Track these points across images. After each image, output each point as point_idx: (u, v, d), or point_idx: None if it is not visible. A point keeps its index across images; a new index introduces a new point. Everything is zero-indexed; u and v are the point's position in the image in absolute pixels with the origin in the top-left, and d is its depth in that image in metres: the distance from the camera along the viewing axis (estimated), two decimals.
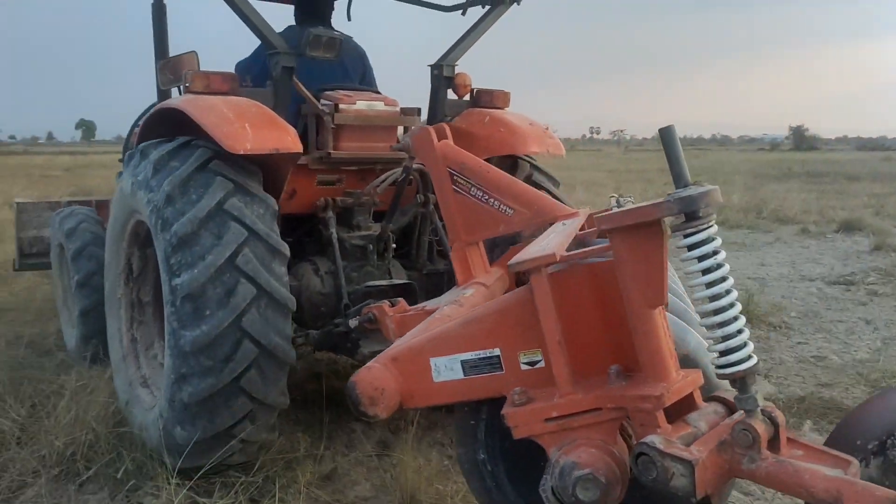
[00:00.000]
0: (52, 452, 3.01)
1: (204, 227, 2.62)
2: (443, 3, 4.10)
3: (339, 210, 3.44)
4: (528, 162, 3.66)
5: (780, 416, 1.50)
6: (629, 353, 1.66)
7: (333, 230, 3.28)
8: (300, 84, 3.25)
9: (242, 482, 2.88)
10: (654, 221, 1.52)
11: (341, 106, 3.37)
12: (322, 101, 3.41)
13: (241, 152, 2.67)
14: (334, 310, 3.22)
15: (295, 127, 3.05)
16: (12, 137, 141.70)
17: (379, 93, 3.78)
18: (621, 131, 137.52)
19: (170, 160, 2.78)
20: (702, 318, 1.58)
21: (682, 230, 1.53)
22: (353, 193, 3.47)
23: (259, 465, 3.00)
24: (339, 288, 3.22)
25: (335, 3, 4.22)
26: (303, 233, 3.56)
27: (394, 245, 3.62)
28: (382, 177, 3.47)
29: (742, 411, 1.53)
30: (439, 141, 2.89)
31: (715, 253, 1.52)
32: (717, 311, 1.54)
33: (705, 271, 1.53)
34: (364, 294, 3.02)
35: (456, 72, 3.66)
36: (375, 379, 1.82)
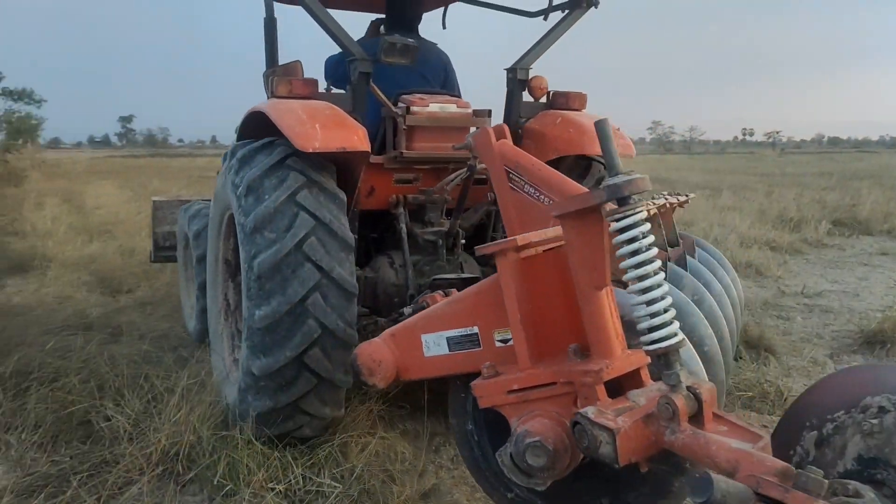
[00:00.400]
0: (157, 451, 3.04)
1: (276, 215, 2.87)
2: (527, 10, 4.25)
3: (413, 207, 3.67)
4: (602, 164, 3.67)
5: (705, 393, 1.56)
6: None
7: (403, 225, 3.49)
8: (376, 88, 3.44)
9: (338, 494, 2.79)
10: (592, 208, 1.63)
11: (414, 108, 3.57)
12: (399, 105, 3.60)
13: (310, 150, 2.88)
14: (405, 300, 3.41)
15: (377, 129, 3.44)
16: (181, 141, 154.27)
17: (456, 96, 3.95)
18: (777, 133, 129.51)
19: (252, 158, 3.06)
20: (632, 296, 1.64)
21: (613, 215, 1.62)
22: (425, 191, 3.68)
23: (356, 475, 2.94)
24: (409, 280, 3.46)
25: (423, 13, 4.49)
26: (382, 228, 3.77)
27: (463, 241, 3.80)
28: (452, 175, 3.61)
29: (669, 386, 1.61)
30: (497, 141, 3.01)
31: (643, 236, 1.60)
32: (644, 291, 1.61)
33: (633, 253, 1.61)
34: (431, 286, 3.08)
35: (532, 75, 3.79)
36: (374, 352, 2.03)
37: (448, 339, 1.99)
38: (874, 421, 1.51)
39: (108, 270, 6.83)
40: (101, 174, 22.97)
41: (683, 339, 1.60)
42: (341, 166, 3.20)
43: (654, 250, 1.63)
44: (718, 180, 21.42)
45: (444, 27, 4.72)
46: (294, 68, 3.63)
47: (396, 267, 3.58)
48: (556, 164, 3.51)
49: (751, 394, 4.02)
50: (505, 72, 3.86)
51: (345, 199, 3.10)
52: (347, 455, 3.10)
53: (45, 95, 29.07)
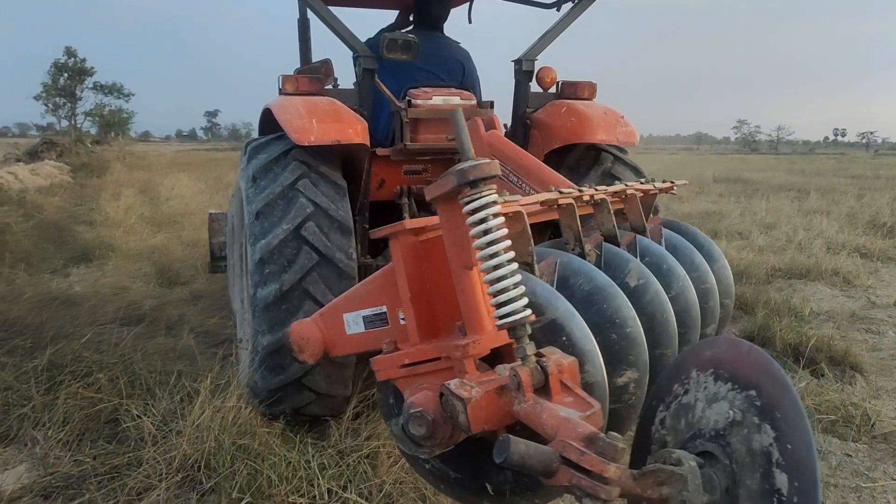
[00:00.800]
0: (178, 455, 2.90)
1: (278, 202, 3.02)
2: (542, 1, 4.33)
3: (419, 197, 3.74)
4: (611, 154, 3.73)
5: (552, 366, 1.60)
6: None
7: (406, 215, 3.57)
8: (381, 83, 3.55)
9: None
10: (450, 192, 1.69)
11: (417, 101, 3.69)
12: (405, 99, 3.73)
13: (306, 143, 3.03)
14: None
15: (390, 123, 3.73)
16: None
17: (467, 90, 4.00)
18: (871, 133, 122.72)
19: (261, 150, 3.24)
20: (484, 274, 1.69)
21: (463, 198, 1.67)
22: (429, 181, 3.69)
23: (385, 491, 2.77)
24: None
25: (449, 10, 4.50)
26: (394, 219, 3.98)
27: None
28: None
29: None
30: (487, 131, 3.19)
31: (494, 216, 1.66)
32: (495, 268, 1.66)
33: (485, 232, 1.66)
34: None
35: (541, 66, 3.88)
36: (303, 330, 2.15)
37: (364, 317, 2.08)
38: (693, 394, 1.55)
39: (168, 261, 6.86)
40: (181, 166, 23.60)
41: (530, 314, 1.65)
42: (345, 158, 3.38)
43: (504, 231, 1.68)
44: (805, 182, 20.29)
45: (469, 21, 4.77)
46: (325, 66, 3.86)
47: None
48: (563, 153, 3.71)
49: (833, 417, 3.61)
50: (512, 63, 3.94)
51: (345, 186, 3.22)
52: (377, 468, 2.90)
53: (138, 91, 30.41)
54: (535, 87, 4.00)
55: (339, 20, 3.49)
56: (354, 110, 3.40)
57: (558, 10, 4.08)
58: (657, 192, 2.98)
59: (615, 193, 2.70)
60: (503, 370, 1.74)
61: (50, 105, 44.56)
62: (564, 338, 1.81)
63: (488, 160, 1.68)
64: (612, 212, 2.54)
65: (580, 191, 2.41)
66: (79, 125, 45.29)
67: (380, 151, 3.73)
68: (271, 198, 3.04)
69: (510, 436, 1.39)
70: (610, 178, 3.57)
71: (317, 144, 3.06)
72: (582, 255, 2.28)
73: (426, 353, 1.86)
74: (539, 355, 1.65)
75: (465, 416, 1.61)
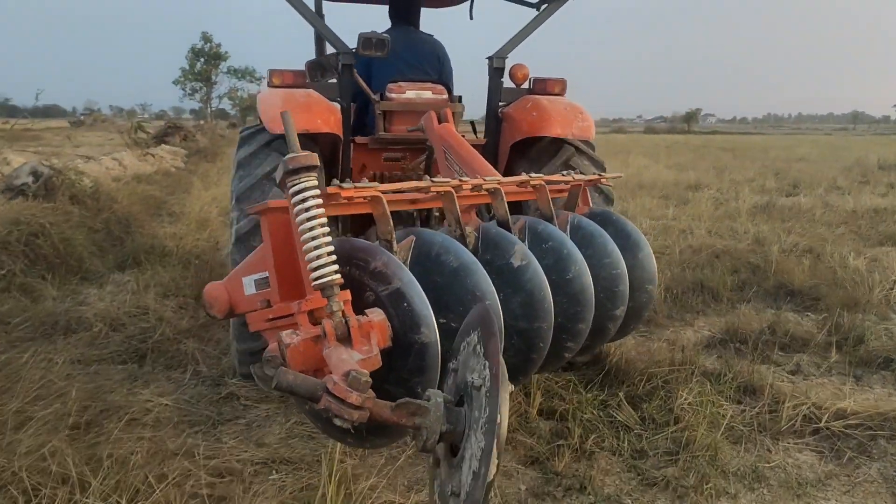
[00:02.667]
0: None
1: (255, 189, 3.35)
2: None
3: (393, 182, 3.71)
4: (573, 146, 3.91)
5: (353, 320, 1.86)
6: None
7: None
8: (359, 78, 3.90)
9: None
10: (282, 179, 1.96)
11: (390, 95, 4.01)
12: (379, 92, 4.07)
13: (278, 132, 3.33)
14: None
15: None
16: None
17: (442, 83, 4.29)
18: None
19: (246, 141, 3.56)
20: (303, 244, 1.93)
21: (289, 184, 1.94)
22: (403, 168, 4.11)
23: None
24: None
25: (421, 8, 4.81)
26: None
27: (437, 213, 4.09)
28: (423, 155, 4.05)
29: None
30: (439, 124, 3.68)
31: (313, 198, 1.93)
32: (312, 239, 1.92)
33: (305, 210, 1.93)
34: None
35: (512, 63, 4.12)
36: (214, 290, 2.35)
37: (255, 280, 2.23)
38: (464, 349, 1.77)
39: (211, 266, 5.89)
40: None
41: (338, 277, 1.90)
42: (322, 146, 3.62)
43: (321, 210, 1.94)
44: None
45: (471, 18, 4.99)
46: (327, 59, 4.09)
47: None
48: (528, 145, 3.94)
49: None
50: (486, 60, 4.16)
51: (319, 178, 3.45)
52: None
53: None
54: (510, 83, 4.22)
55: (320, 20, 3.95)
56: (336, 102, 3.75)
57: (538, 10, 4.25)
58: (581, 183, 3.19)
59: (521, 183, 2.93)
60: (326, 323, 1.91)
61: (188, 89, 46.57)
62: (406, 304, 2.01)
63: (307, 153, 1.94)
64: (504, 199, 2.74)
65: (461, 180, 2.59)
66: (213, 108, 47.30)
67: (358, 139, 4.08)
68: (249, 185, 3.37)
69: (283, 368, 1.72)
70: (569, 168, 3.73)
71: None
72: (462, 236, 2.54)
73: (284, 310, 2.09)
74: (345, 312, 1.90)
75: (284, 357, 1.85)
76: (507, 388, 1.55)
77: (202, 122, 38.20)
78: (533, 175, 2.96)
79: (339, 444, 2.66)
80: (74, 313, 4.74)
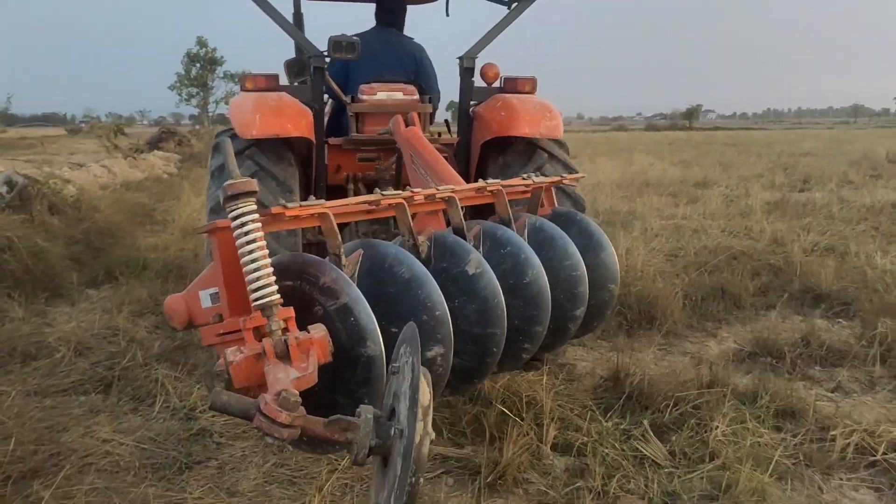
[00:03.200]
0: None
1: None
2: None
3: (366, 183, 4.17)
4: (547, 152, 3.91)
5: (291, 339, 1.89)
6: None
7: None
8: (330, 80, 4.03)
9: None
10: (223, 201, 1.97)
11: (362, 97, 4.10)
12: (350, 95, 4.20)
13: (248, 137, 3.41)
14: None
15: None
16: None
17: (419, 83, 4.46)
18: None
19: (219, 148, 3.57)
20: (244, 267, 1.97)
21: (228, 209, 1.97)
22: (377, 169, 4.18)
23: None
24: None
25: (406, 10, 4.89)
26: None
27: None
28: (394, 156, 4.07)
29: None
30: (406, 127, 3.66)
31: (252, 222, 1.97)
32: (252, 262, 1.95)
33: (245, 234, 1.96)
34: None
35: (484, 62, 4.14)
36: (173, 303, 2.29)
37: (210, 294, 2.22)
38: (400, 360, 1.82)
39: (191, 280, 5.45)
40: None
41: (277, 298, 1.95)
42: (293, 148, 3.73)
43: (260, 234, 1.97)
44: None
45: (447, 14, 4.90)
46: (306, 58, 4.03)
47: (355, 236, 3.97)
48: (501, 145, 3.95)
49: None
50: (458, 60, 4.13)
51: (291, 184, 3.58)
52: None
53: None
54: (482, 82, 4.21)
55: (289, 23, 3.90)
56: (308, 105, 3.71)
57: (509, 7, 4.23)
58: (542, 185, 3.18)
59: (478, 190, 2.93)
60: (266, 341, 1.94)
61: (184, 95, 46.14)
62: (352, 318, 2.06)
63: (246, 180, 1.96)
64: (459, 206, 2.74)
65: (413, 191, 2.58)
66: (212, 114, 46.78)
67: (332, 141, 4.12)
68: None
69: (217, 389, 1.76)
70: (541, 172, 3.68)
71: (258, 137, 3.39)
72: (415, 246, 2.55)
73: (232, 325, 2.09)
74: (285, 329, 1.95)
75: (228, 376, 1.88)
76: (425, 403, 1.64)
77: (198, 126, 37.75)
78: (490, 181, 2.96)
79: (320, 491, 2.67)
80: (36, 337, 4.30)
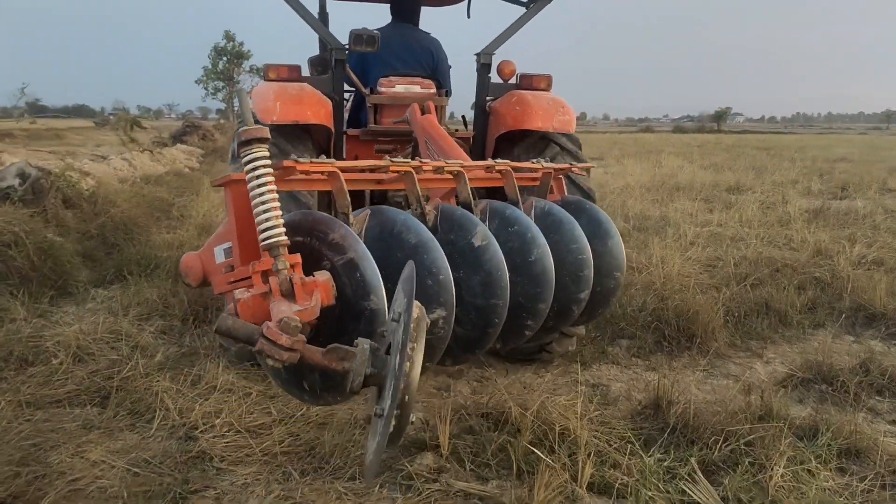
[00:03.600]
0: None
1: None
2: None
3: None
4: (559, 144, 3.95)
5: (296, 278, 1.99)
6: None
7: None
8: (351, 73, 4.16)
9: None
10: (238, 147, 2.11)
11: (380, 89, 4.28)
12: (369, 87, 4.35)
13: (269, 122, 3.47)
14: None
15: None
16: None
17: (436, 77, 4.52)
18: None
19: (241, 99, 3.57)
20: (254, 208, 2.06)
21: (242, 154, 2.06)
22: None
23: None
24: None
25: (422, 7, 4.99)
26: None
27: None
28: (410, 146, 4.20)
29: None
30: (422, 115, 3.85)
31: (263, 167, 2.04)
32: (262, 203, 2.02)
33: (256, 178, 2.03)
34: None
35: (501, 59, 4.28)
36: (189, 260, 2.42)
37: (224, 249, 2.30)
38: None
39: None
40: None
41: (284, 239, 2.03)
42: (312, 136, 3.87)
43: (270, 178, 2.04)
44: None
45: (468, 16, 5.09)
46: (324, 58, 4.30)
47: None
48: (513, 138, 4.04)
49: None
50: (475, 57, 4.29)
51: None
52: None
53: None
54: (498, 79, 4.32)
55: (314, 17, 4.01)
56: (328, 96, 3.86)
57: (527, 7, 4.32)
58: (550, 171, 3.22)
59: (487, 168, 3.01)
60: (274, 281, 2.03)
61: (210, 88, 46.13)
62: (358, 273, 2.13)
63: (258, 127, 2.04)
64: (467, 182, 2.81)
65: (422, 161, 2.68)
66: (236, 108, 46.41)
67: (350, 132, 4.27)
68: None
69: (224, 315, 1.87)
70: (553, 161, 3.59)
71: (277, 123, 3.51)
72: (423, 215, 2.59)
73: (243, 273, 2.16)
74: (290, 270, 2.01)
75: (237, 311, 1.95)
76: (421, 321, 1.74)
77: (222, 121, 37.75)
78: (499, 161, 3.02)
79: None
80: (35, 340, 4.05)
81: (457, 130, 4.47)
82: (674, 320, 4.54)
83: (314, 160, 2.31)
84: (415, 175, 2.62)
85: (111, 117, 57.78)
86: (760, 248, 7.10)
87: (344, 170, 2.44)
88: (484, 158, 4.08)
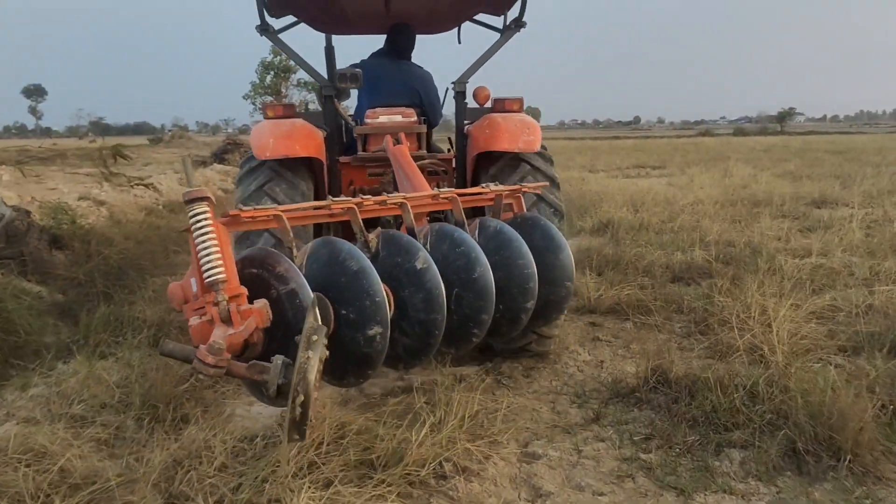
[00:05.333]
0: None
1: (249, 199, 3.96)
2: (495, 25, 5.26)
3: (374, 194, 3.98)
4: (530, 164, 4.31)
5: (233, 307, 2.40)
6: None
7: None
8: (339, 105, 4.76)
9: None
10: (186, 203, 2.48)
11: (366, 120, 4.66)
12: (355, 118, 4.98)
13: (263, 158, 4.01)
14: None
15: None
16: None
17: (417, 107, 4.89)
18: None
19: (247, 162, 4.23)
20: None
21: (188, 211, 2.47)
22: (382, 182, 4.64)
23: None
24: None
25: (415, 42, 5.40)
26: None
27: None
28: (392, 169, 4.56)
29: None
30: (395, 146, 4.28)
31: (204, 220, 2.45)
32: (204, 249, 2.42)
33: (199, 229, 2.44)
34: None
35: (476, 86, 4.66)
36: (174, 289, 2.61)
37: (194, 281, 2.53)
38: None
39: (168, 364, 4.01)
40: None
41: (223, 277, 2.40)
42: (308, 166, 4.27)
43: (210, 229, 2.44)
44: None
45: (459, 42, 5.72)
46: (350, 69, 4.54)
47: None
48: (489, 159, 4.34)
49: None
50: (450, 85, 4.78)
51: (304, 188, 4.16)
52: None
53: None
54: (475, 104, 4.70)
55: (303, 59, 4.60)
56: (320, 127, 4.38)
57: (502, 33, 4.83)
58: (500, 193, 3.56)
59: (433, 196, 3.32)
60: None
61: (257, 104, 45.78)
62: (297, 300, 2.50)
63: (199, 188, 2.48)
64: (410, 211, 3.15)
65: (363, 198, 3.04)
66: None
67: (343, 159, 4.72)
68: (245, 196, 3.99)
69: (165, 339, 2.36)
70: (525, 182, 4.14)
71: (271, 158, 3.98)
72: (365, 243, 2.98)
73: (201, 302, 2.48)
74: (231, 298, 2.42)
75: (191, 335, 2.41)
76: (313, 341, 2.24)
77: None
78: (444, 189, 3.35)
79: None
80: None
81: (449, 150, 5.08)
82: (807, 423, 3.23)
83: (257, 207, 2.71)
84: (356, 210, 2.97)
85: (168, 133, 58.35)
86: (888, 288, 5.66)
87: (288, 212, 2.82)
88: (465, 177, 4.63)
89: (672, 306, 5.52)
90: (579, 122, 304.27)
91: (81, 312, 5.27)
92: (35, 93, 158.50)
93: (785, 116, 78.76)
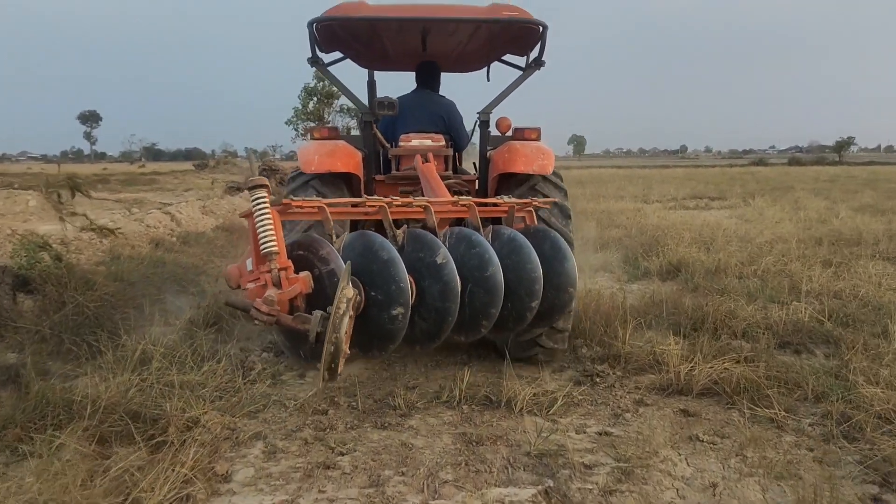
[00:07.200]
0: None
1: None
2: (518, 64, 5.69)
3: None
4: (542, 194, 4.69)
5: (283, 274, 2.95)
6: None
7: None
8: (377, 131, 5.08)
9: None
10: (249, 189, 3.02)
11: (400, 143, 5.17)
12: (391, 141, 5.47)
13: (309, 172, 4.56)
14: None
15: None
16: None
17: (445, 134, 5.43)
18: None
19: (293, 180, 4.75)
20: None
21: (250, 196, 3.00)
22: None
23: None
24: None
25: (440, 77, 6.04)
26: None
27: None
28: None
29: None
30: (423, 164, 4.75)
31: (263, 204, 2.96)
32: (262, 227, 2.94)
33: (258, 210, 2.95)
34: None
35: (498, 116, 5.10)
36: (232, 270, 3.14)
37: (249, 261, 3.05)
38: None
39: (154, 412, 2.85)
40: None
41: (276, 249, 2.94)
42: (346, 183, 4.83)
43: (267, 211, 2.95)
44: None
45: (488, 80, 6.37)
46: (387, 98, 4.98)
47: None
48: (508, 179, 4.80)
49: None
50: (477, 115, 5.24)
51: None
52: None
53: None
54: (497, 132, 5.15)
55: (347, 89, 5.12)
56: (359, 149, 4.88)
57: (523, 71, 5.18)
58: (512, 205, 4.07)
59: (454, 203, 3.87)
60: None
61: (300, 129, 45.39)
62: (336, 278, 2.92)
63: (260, 178, 3.03)
64: (433, 213, 3.62)
65: (392, 199, 3.54)
66: None
67: (378, 177, 5.18)
68: None
69: (232, 297, 2.98)
70: (535, 193, 4.71)
71: (315, 172, 4.54)
72: (394, 238, 3.40)
73: (256, 273, 3.02)
74: (282, 268, 2.96)
75: (249, 296, 2.94)
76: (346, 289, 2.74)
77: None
78: (462, 197, 3.88)
79: None
80: None
81: (474, 173, 5.45)
82: None
83: (305, 199, 3.29)
84: (387, 209, 3.48)
85: (214, 159, 58.43)
86: None
87: (329, 205, 3.36)
88: (487, 195, 4.96)
89: (796, 391, 4.13)
90: (624, 150, 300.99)
91: (31, 381, 4.15)
92: (90, 118, 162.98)
93: (843, 146, 75.66)
